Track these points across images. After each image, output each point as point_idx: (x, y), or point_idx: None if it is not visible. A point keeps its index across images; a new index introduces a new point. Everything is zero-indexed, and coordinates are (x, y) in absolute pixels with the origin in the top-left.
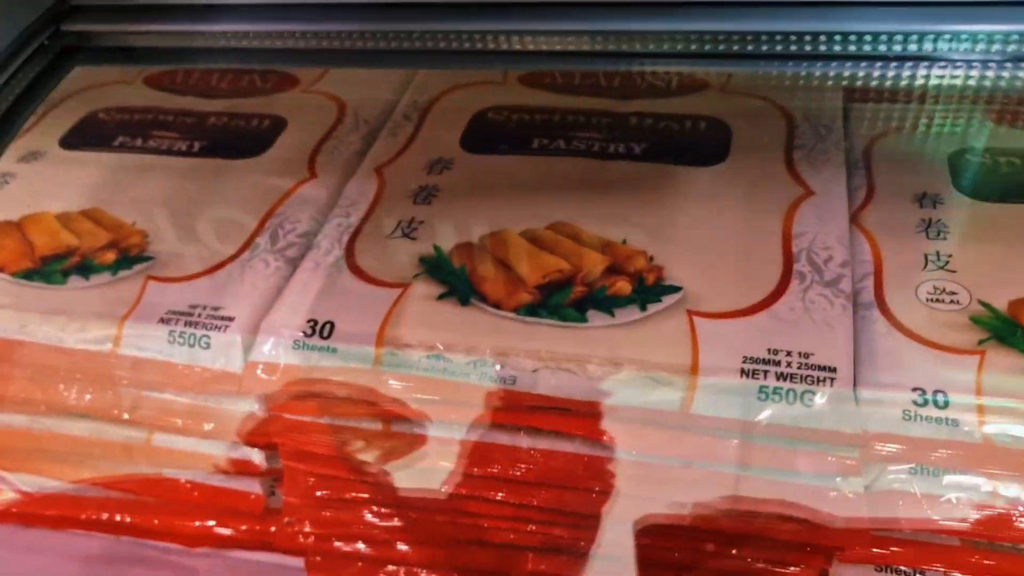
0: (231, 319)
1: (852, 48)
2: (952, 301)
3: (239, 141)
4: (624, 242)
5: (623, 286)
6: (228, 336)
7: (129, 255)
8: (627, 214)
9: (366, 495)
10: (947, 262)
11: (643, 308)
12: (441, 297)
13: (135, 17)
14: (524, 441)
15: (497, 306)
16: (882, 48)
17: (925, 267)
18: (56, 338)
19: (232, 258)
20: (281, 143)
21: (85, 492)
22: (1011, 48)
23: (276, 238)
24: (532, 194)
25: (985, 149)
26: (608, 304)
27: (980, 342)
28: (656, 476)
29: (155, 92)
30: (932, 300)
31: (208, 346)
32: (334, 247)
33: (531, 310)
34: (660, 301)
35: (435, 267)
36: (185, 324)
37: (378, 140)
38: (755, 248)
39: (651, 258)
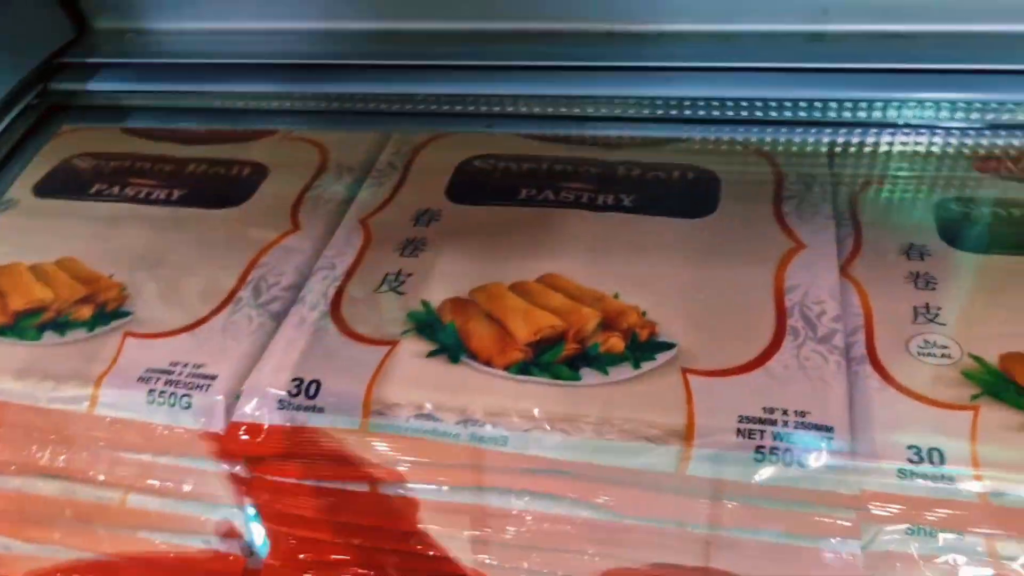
0: (213, 377)
1: (834, 115)
2: (943, 355)
3: (219, 190)
4: (616, 296)
5: (616, 343)
6: (210, 396)
7: (106, 310)
8: (618, 267)
9: (349, 558)
10: (937, 314)
11: (637, 366)
12: (431, 355)
13: (123, 76)
14: (516, 503)
15: (488, 364)
16: (861, 115)
17: (915, 320)
18: (30, 397)
19: (214, 313)
20: (263, 192)
21: (55, 554)
22: (990, 116)
23: (259, 292)
24: (521, 246)
25: (969, 199)
26: (602, 362)
27: (973, 397)
28: (650, 539)
29: (132, 138)
30: (923, 354)
31: (189, 406)
32: (320, 302)
33: (523, 368)
34: (654, 359)
35: (424, 323)
36: (165, 383)
37: (362, 190)
38: (748, 303)
39: (644, 313)
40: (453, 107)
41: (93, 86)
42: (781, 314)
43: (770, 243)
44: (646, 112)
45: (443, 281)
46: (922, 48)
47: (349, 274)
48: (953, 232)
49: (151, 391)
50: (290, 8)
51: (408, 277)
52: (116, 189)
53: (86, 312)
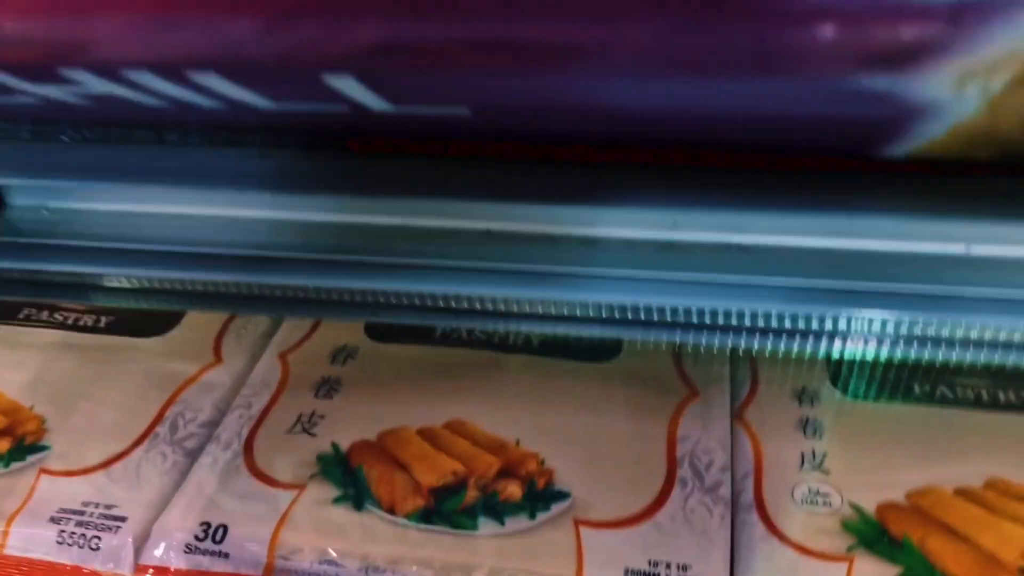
0: (123, 519)
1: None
2: (825, 503)
3: (148, 316)
4: (518, 442)
5: (514, 491)
6: (119, 538)
7: (24, 444)
8: (521, 412)
9: None
10: (822, 462)
11: (532, 516)
12: (336, 501)
13: (39, 255)
14: None
15: (391, 511)
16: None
17: (802, 466)
18: None
19: (129, 450)
20: (188, 321)
21: None
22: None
23: (176, 428)
24: (432, 389)
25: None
26: (499, 511)
27: (849, 548)
28: None
29: None
30: (807, 502)
31: (98, 548)
32: (233, 441)
33: (424, 515)
34: (549, 509)
35: (332, 467)
36: (76, 524)
37: (284, 322)
38: (641, 452)
39: (543, 461)
40: (342, 296)
41: (8, 264)
42: (672, 464)
43: (667, 391)
44: (525, 309)
45: (354, 423)
46: (763, 261)
47: (264, 413)
48: (843, 378)
49: (62, 532)
50: (198, 195)
51: (320, 419)
52: (45, 314)
53: (4, 446)
